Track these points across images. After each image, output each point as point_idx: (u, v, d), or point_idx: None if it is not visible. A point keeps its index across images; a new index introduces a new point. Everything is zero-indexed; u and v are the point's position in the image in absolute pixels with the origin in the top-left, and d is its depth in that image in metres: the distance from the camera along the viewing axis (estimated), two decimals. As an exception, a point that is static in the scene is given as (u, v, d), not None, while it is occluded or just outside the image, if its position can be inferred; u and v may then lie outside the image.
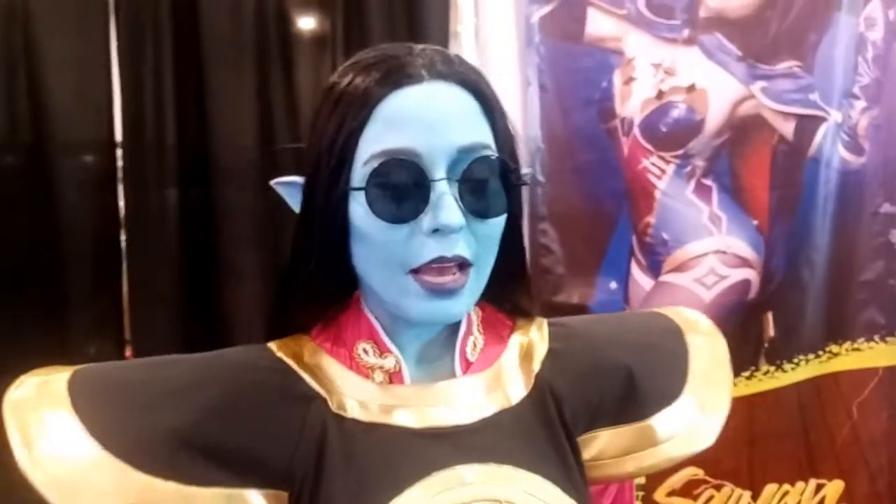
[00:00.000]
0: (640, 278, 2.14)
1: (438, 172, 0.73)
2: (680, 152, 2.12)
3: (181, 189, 1.98)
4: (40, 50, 1.88)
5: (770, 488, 2.18)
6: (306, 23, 2.04)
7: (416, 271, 0.74)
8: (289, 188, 0.82)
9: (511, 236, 0.81)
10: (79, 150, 1.96)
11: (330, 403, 0.78)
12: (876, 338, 2.20)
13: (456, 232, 0.73)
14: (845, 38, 2.12)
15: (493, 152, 0.76)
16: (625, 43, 2.09)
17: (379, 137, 0.73)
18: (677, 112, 2.11)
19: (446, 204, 0.72)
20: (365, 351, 0.80)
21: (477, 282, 0.77)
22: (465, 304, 0.77)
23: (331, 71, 1.99)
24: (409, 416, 0.77)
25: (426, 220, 0.73)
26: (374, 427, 0.77)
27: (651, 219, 2.12)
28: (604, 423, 0.84)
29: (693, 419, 0.86)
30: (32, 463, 0.71)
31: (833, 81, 2.13)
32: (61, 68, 1.90)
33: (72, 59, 1.91)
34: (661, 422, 0.85)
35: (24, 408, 0.74)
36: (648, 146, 2.11)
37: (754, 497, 2.18)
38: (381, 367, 0.80)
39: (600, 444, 0.84)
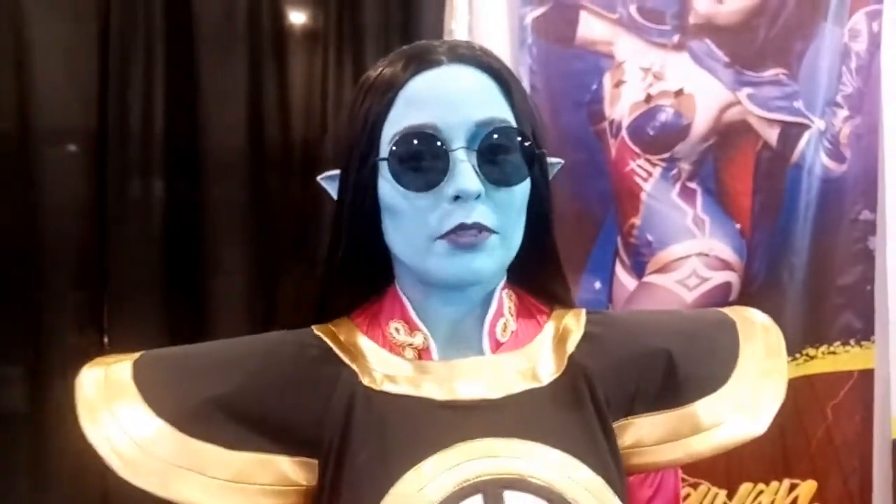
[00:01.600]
0: (624, 278, 2.16)
1: (457, 143, 0.77)
2: (666, 155, 2.14)
3: (167, 181, 1.97)
4: (29, 37, 1.86)
5: (745, 487, 2.22)
6: (299, 17, 2.04)
7: (441, 237, 0.77)
8: (332, 182, 0.86)
9: (539, 214, 0.83)
10: (64, 138, 1.95)
11: (361, 377, 0.81)
12: (852, 342, 2.24)
13: (474, 198, 0.76)
14: (830, 47, 2.16)
15: (510, 124, 0.79)
16: (616, 47, 2.11)
17: (401, 117, 0.78)
18: (665, 116, 2.13)
19: (463, 171, 0.76)
20: (397, 330, 0.84)
21: (503, 249, 0.79)
22: (489, 263, 0.78)
23: (323, 66, 2.01)
24: (435, 389, 0.80)
25: (447, 189, 0.76)
26: (400, 398, 0.80)
27: (636, 220, 2.15)
28: (642, 409, 0.84)
29: (742, 407, 0.84)
30: (98, 434, 0.78)
31: (817, 90, 2.17)
32: (49, 56, 1.88)
33: (60, 48, 1.90)
34: (706, 408, 0.84)
35: (93, 385, 0.81)
36: (636, 149, 2.13)
37: (730, 496, 2.21)
38: (410, 345, 0.83)
39: (639, 430, 0.83)
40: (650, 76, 2.12)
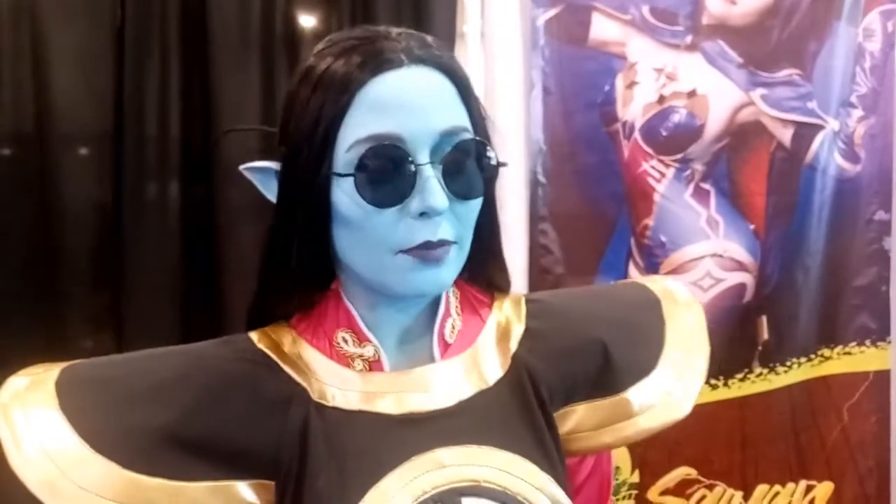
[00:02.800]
0: (638, 279, 2.16)
1: (422, 156, 0.74)
2: (679, 156, 2.14)
3: (183, 184, 1.97)
4: (47, 40, 1.87)
5: (761, 489, 2.21)
6: (312, 21, 2.05)
7: (404, 251, 0.75)
8: (261, 174, 0.82)
9: (485, 213, 0.82)
10: (81, 142, 1.96)
11: (311, 393, 0.78)
12: (867, 342, 2.23)
13: (440, 214, 0.75)
14: (844, 47, 2.15)
15: (471, 134, 0.78)
16: (628, 47, 2.11)
17: (362, 123, 0.74)
18: (678, 117, 2.13)
19: (432, 187, 0.73)
20: (344, 340, 0.81)
21: (458, 258, 0.79)
22: (450, 275, 0.78)
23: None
24: (388, 403, 0.79)
25: (413, 204, 0.74)
26: (355, 415, 0.78)
27: (650, 221, 2.15)
28: (580, 397, 0.85)
29: (669, 390, 0.87)
30: (22, 462, 0.73)
31: (831, 90, 2.16)
32: (67, 59, 1.89)
33: (78, 51, 1.90)
34: (637, 394, 0.86)
35: (13, 407, 0.75)
36: (649, 150, 2.13)
37: (745, 497, 2.21)
38: (360, 356, 0.81)
39: (577, 417, 0.85)
40: (663, 77, 2.12)
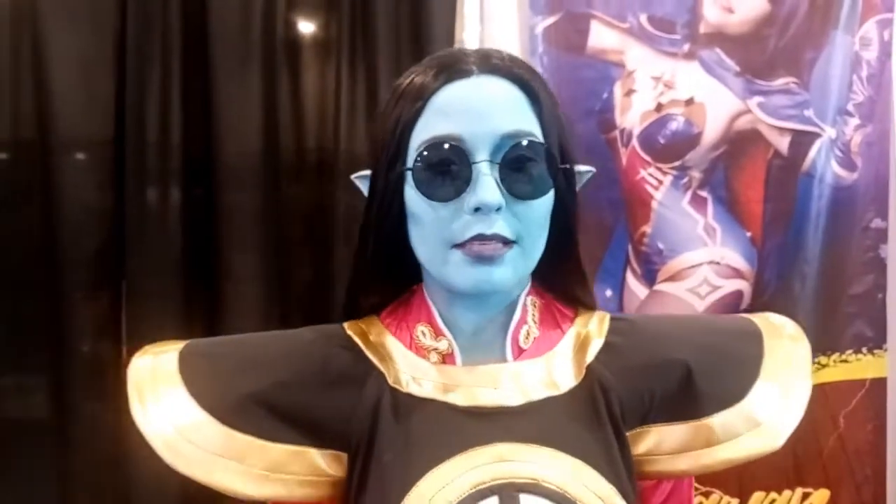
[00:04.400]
0: (636, 287, 2.17)
1: (481, 155, 0.78)
2: (677, 164, 2.15)
3: (184, 189, 1.99)
4: (47, 46, 1.89)
5: (758, 496, 2.21)
6: (312, 27, 2.06)
7: (459, 246, 0.79)
8: (365, 181, 0.88)
9: (560, 222, 0.84)
10: (82, 148, 1.97)
11: (388, 378, 0.84)
12: (864, 350, 2.24)
13: (495, 211, 0.77)
14: (841, 56, 2.17)
15: (536, 139, 0.80)
16: (626, 56, 2.12)
17: (430, 126, 0.80)
18: (675, 124, 2.14)
19: (485, 184, 0.77)
20: (423, 333, 0.86)
21: (522, 259, 0.81)
22: (507, 274, 0.80)
23: (336, 75, 2.03)
24: (457, 395, 0.83)
25: (468, 200, 0.78)
26: (425, 402, 0.83)
27: (647, 228, 2.16)
28: (657, 419, 0.85)
29: (759, 421, 0.85)
30: (145, 419, 0.82)
31: (828, 98, 2.17)
32: (68, 65, 1.90)
33: (78, 56, 1.91)
34: (721, 422, 0.85)
35: (142, 373, 0.85)
36: (646, 157, 2.14)
37: (742, 504, 2.22)
38: (435, 349, 0.86)
39: (653, 439, 0.85)
40: (661, 85, 2.13)
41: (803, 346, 0.91)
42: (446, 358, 0.85)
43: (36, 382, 1.97)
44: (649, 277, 2.17)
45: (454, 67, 0.81)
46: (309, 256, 2.07)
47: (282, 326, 2.01)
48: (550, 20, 2.10)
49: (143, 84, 1.93)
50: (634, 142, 2.14)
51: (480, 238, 0.78)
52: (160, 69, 1.93)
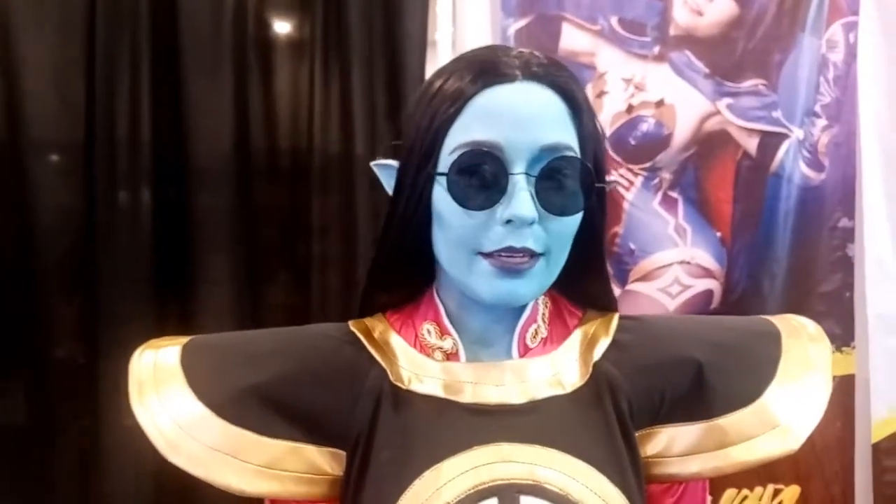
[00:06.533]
0: (608, 287, 2.18)
1: (518, 167, 0.76)
2: (648, 165, 2.17)
3: (155, 191, 1.96)
4: (17, 51, 1.86)
5: (729, 493, 2.24)
6: (285, 27, 2.05)
7: (486, 255, 0.77)
8: (385, 170, 0.87)
9: (589, 235, 0.83)
10: (52, 149, 1.95)
11: (389, 374, 0.83)
12: (832, 348, 2.26)
13: (528, 225, 0.76)
14: (808, 58, 2.20)
15: (574, 153, 0.78)
16: (597, 58, 2.14)
17: (467, 129, 0.77)
18: (646, 126, 2.16)
19: (521, 197, 0.75)
20: (428, 332, 0.85)
21: (547, 272, 0.80)
22: (532, 288, 0.79)
23: (309, 75, 2.02)
24: (460, 392, 0.82)
25: (501, 211, 0.76)
26: (426, 399, 0.81)
27: (619, 229, 2.17)
28: (667, 419, 0.83)
29: (774, 423, 0.83)
30: (144, 413, 0.81)
31: (796, 100, 2.20)
32: (37, 66, 1.88)
33: (48, 59, 1.89)
34: (734, 423, 0.83)
35: (143, 368, 0.84)
36: (618, 158, 2.16)
37: (714, 501, 2.23)
38: (440, 348, 0.85)
39: (664, 440, 0.83)
40: (631, 87, 2.15)
41: (823, 347, 0.88)
42: (450, 357, 0.84)
43: (9, 386, 1.95)
44: (621, 277, 2.19)
45: (497, 70, 0.78)
46: (282, 258, 2.06)
47: (255, 328, 2.01)
48: (522, 22, 2.11)
49: (112, 85, 1.89)
50: (606, 143, 2.15)
51: (510, 249, 0.76)
52: (129, 69, 1.89)
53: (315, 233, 2.00)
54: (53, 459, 1.92)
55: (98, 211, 1.92)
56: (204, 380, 0.83)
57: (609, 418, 0.81)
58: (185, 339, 0.87)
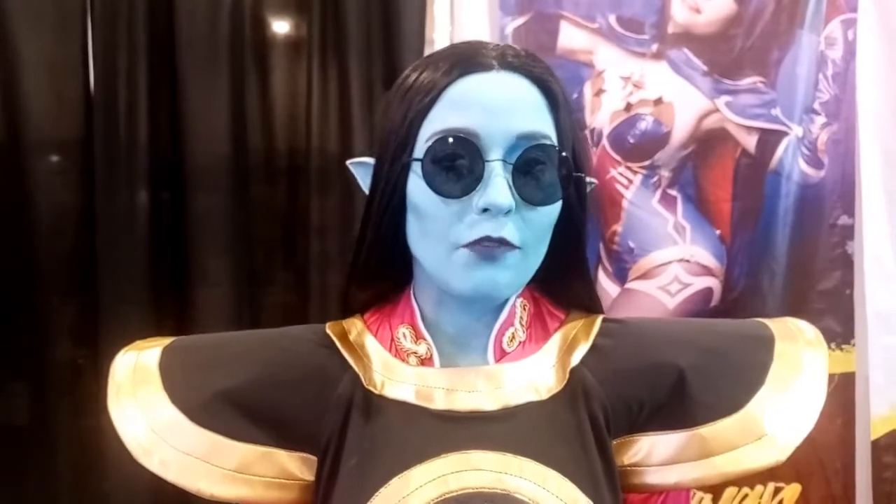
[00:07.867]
0: (607, 285, 2.18)
1: (494, 154, 0.75)
2: (646, 163, 2.17)
3: (153, 192, 1.97)
4: (15, 52, 1.86)
5: (730, 491, 2.23)
6: (282, 27, 2.05)
7: (463, 247, 0.76)
8: (361, 168, 0.86)
9: (569, 230, 0.81)
10: (51, 151, 1.95)
11: (363, 379, 0.82)
12: (832, 345, 2.26)
13: (504, 213, 0.74)
14: (807, 55, 2.19)
15: (552, 142, 0.77)
16: (595, 56, 2.14)
17: (442, 117, 0.76)
18: (645, 124, 2.16)
19: (497, 184, 0.74)
20: (403, 335, 0.84)
21: (524, 264, 0.78)
22: (510, 278, 0.77)
23: (306, 75, 2.02)
24: (431, 398, 0.80)
25: (477, 199, 0.75)
26: (397, 404, 0.80)
27: (618, 227, 2.17)
28: (647, 426, 0.80)
29: (759, 433, 0.79)
30: (120, 415, 0.82)
31: (795, 97, 2.19)
32: (35, 68, 1.88)
33: (45, 59, 1.89)
34: (716, 433, 0.79)
35: (123, 369, 0.84)
36: (616, 156, 2.16)
37: (715, 500, 2.23)
38: (414, 353, 0.83)
39: (643, 449, 0.80)
40: (630, 85, 2.15)
41: (820, 352, 0.84)
42: (424, 362, 0.82)
43: (11, 388, 1.95)
44: (620, 276, 2.18)
45: (473, 59, 0.77)
46: (280, 258, 2.07)
47: (254, 328, 2.01)
48: (520, 21, 2.11)
49: (110, 85, 1.90)
50: (604, 141, 2.15)
51: (486, 239, 0.74)
52: (126, 70, 1.90)
53: (313, 233, 2.00)
54: (53, 459, 1.92)
55: (97, 211, 1.92)
56: (179, 383, 0.82)
57: (583, 426, 0.78)
58: (167, 341, 0.86)
